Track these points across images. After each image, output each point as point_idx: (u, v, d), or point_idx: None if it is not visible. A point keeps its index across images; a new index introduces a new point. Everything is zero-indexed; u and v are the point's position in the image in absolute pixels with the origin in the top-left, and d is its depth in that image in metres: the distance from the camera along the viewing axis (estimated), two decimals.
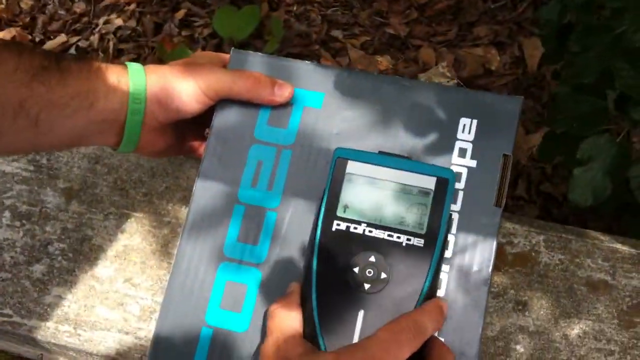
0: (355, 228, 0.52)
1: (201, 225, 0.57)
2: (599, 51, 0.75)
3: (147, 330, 0.66)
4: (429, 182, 0.52)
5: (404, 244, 0.51)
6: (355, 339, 0.49)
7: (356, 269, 0.51)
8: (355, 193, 0.53)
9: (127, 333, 0.66)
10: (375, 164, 0.53)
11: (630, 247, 0.67)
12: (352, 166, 0.53)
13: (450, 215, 0.53)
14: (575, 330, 0.64)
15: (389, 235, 0.51)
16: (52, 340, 0.68)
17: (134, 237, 0.70)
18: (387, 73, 1.23)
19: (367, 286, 0.50)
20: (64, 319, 0.68)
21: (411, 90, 0.58)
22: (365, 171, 0.53)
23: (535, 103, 1.18)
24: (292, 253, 0.56)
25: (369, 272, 0.50)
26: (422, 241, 0.51)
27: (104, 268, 0.69)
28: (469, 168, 0.56)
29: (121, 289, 0.68)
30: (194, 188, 0.57)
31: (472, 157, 0.56)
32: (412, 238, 0.51)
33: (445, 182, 0.52)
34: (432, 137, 0.57)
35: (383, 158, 0.54)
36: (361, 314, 0.50)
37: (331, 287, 0.51)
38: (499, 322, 0.65)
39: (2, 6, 1.41)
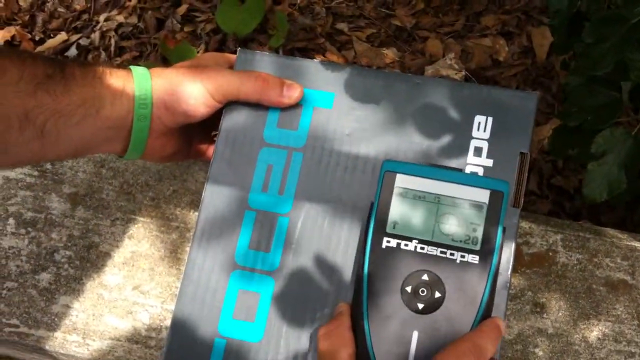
0: (406, 245, 0.49)
1: (211, 232, 0.56)
2: (615, 42, 0.73)
3: (157, 339, 0.65)
4: (483, 195, 0.50)
5: (458, 261, 0.49)
6: None
7: (409, 288, 0.48)
8: (405, 208, 0.50)
9: (136, 342, 0.65)
10: (425, 177, 0.51)
11: None
12: (401, 180, 0.51)
13: (505, 229, 0.51)
14: (595, 332, 0.63)
15: (441, 252, 0.49)
16: (61, 351, 0.67)
17: (141, 243, 0.68)
18: (394, 66, 1.21)
19: (420, 306, 0.48)
20: (72, 328, 0.66)
21: (424, 88, 0.57)
22: (415, 185, 0.51)
23: (545, 94, 1.16)
24: (305, 260, 0.54)
25: (422, 292, 0.48)
26: (477, 257, 0.49)
27: (112, 275, 0.67)
28: (485, 167, 0.54)
29: (130, 297, 0.66)
30: (202, 194, 0.56)
31: (488, 156, 0.55)
32: (466, 255, 0.49)
33: (499, 195, 0.50)
34: (446, 136, 0.56)
35: (433, 170, 0.51)
36: (415, 335, 0.48)
37: (383, 307, 0.48)
38: (517, 325, 0.63)
39: (1, 4, 1.39)
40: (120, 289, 0.67)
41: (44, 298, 0.67)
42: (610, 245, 0.66)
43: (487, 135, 0.55)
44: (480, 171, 0.54)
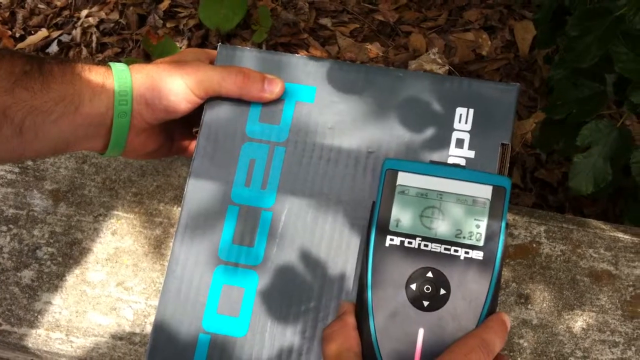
0: (410, 243, 0.49)
1: (194, 228, 0.55)
2: (599, 35, 0.74)
3: (141, 336, 0.65)
4: (485, 191, 0.50)
5: (462, 258, 0.49)
6: (417, 359, 0.47)
7: (413, 286, 0.48)
8: (407, 206, 0.50)
9: (121, 339, 0.65)
10: (427, 175, 0.50)
11: (632, 236, 0.66)
12: (402, 178, 0.51)
13: (508, 224, 0.50)
14: (579, 322, 0.63)
15: (445, 249, 0.49)
16: (44, 348, 0.66)
17: (125, 239, 0.68)
18: (377, 60, 1.21)
19: (426, 303, 0.48)
20: (55, 325, 0.66)
21: (405, 81, 0.57)
22: (417, 182, 0.50)
23: (527, 88, 1.16)
24: (289, 254, 0.54)
25: (427, 289, 0.48)
26: (481, 254, 0.48)
27: (95, 272, 0.67)
28: (467, 159, 0.55)
29: (113, 293, 0.66)
30: (185, 190, 0.55)
31: (470, 148, 0.55)
32: (470, 251, 0.49)
33: (502, 191, 0.50)
34: (428, 129, 0.56)
35: (435, 168, 0.51)
36: (421, 332, 0.48)
37: (388, 305, 0.48)
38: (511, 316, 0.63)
39: None
40: (104, 286, 0.66)
41: (27, 295, 0.67)
42: (593, 236, 0.66)
43: (468, 127, 0.55)
44: (462, 162, 0.54)
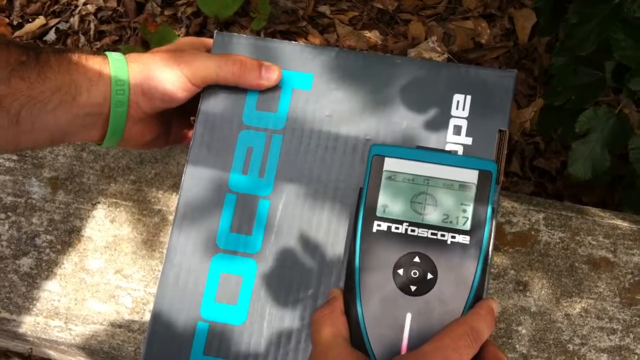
0: (397, 228, 0.50)
1: (192, 216, 0.55)
2: (598, 22, 0.73)
3: (140, 323, 0.65)
4: (471, 176, 0.50)
5: (449, 242, 0.49)
6: (404, 343, 0.48)
7: (400, 271, 0.49)
8: (394, 191, 0.51)
9: (120, 326, 0.65)
10: (413, 160, 0.51)
11: (631, 223, 0.66)
12: (389, 163, 0.51)
13: (494, 209, 0.51)
14: (577, 309, 0.63)
15: (432, 234, 0.49)
16: (43, 336, 0.66)
17: (123, 227, 0.68)
18: (376, 49, 1.21)
19: (413, 288, 0.48)
20: (54, 313, 0.66)
21: (402, 68, 0.57)
22: (404, 168, 0.51)
23: (527, 76, 1.16)
24: (287, 241, 0.54)
25: (414, 274, 0.48)
26: (468, 238, 0.49)
27: (94, 260, 0.67)
28: (465, 146, 0.55)
29: (112, 281, 0.66)
30: (182, 178, 0.55)
31: (468, 135, 0.55)
32: (457, 235, 0.49)
33: (488, 175, 0.50)
34: (426, 115, 0.55)
35: (421, 153, 0.51)
36: (409, 317, 0.48)
37: (376, 290, 0.49)
38: (500, 303, 0.64)
39: None
40: (103, 273, 0.66)
41: (25, 283, 0.67)
42: (592, 223, 0.66)
43: (466, 113, 0.55)
44: (460, 149, 0.54)
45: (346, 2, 1.25)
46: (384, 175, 0.51)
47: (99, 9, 1.32)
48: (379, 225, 0.50)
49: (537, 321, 0.63)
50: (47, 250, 0.68)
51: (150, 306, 0.64)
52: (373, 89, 0.56)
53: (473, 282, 0.48)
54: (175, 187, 0.69)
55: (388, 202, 0.50)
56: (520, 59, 1.18)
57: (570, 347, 0.62)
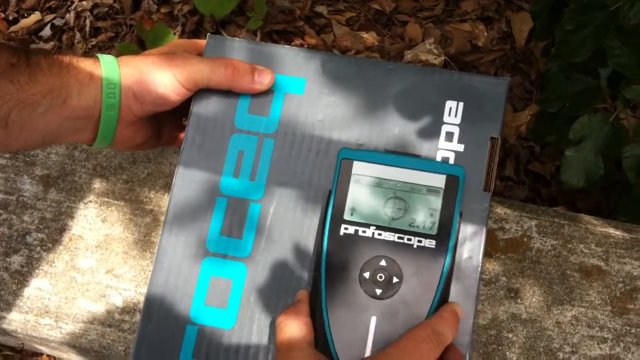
0: (364, 231, 0.50)
1: (182, 219, 0.55)
2: (594, 29, 0.73)
3: (130, 323, 0.65)
4: (439, 181, 0.51)
5: (415, 246, 0.49)
6: (369, 347, 0.48)
7: (367, 274, 0.49)
8: (362, 195, 0.51)
9: (110, 326, 0.65)
10: (382, 164, 0.51)
11: (623, 232, 0.66)
12: (358, 167, 0.51)
13: (461, 213, 0.51)
14: (568, 317, 0.63)
15: (399, 238, 0.50)
16: (33, 334, 0.66)
17: (115, 227, 0.68)
18: (373, 50, 1.20)
19: (378, 291, 0.49)
20: (45, 311, 0.66)
21: (395, 74, 0.56)
22: (372, 172, 0.51)
23: (523, 80, 1.16)
24: (277, 245, 0.54)
25: (380, 277, 0.49)
26: (434, 242, 0.49)
27: (85, 259, 0.67)
28: (457, 152, 0.55)
29: (103, 281, 0.66)
30: (173, 181, 0.55)
31: (460, 141, 0.55)
32: (423, 239, 0.49)
33: (455, 180, 0.51)
34: (418, 121, 0.55)
35: (390, 157, 0.52)
36: (374, 320, 0.48)
37: (342, 293, 0.49)
38: (491, 310, 0.64)
39: None
40: (94, 272, 0.66)
41: (16, 281, 0.66)
42: (584, 231, 0.66)
43: (458, 120, 0.55)
44: (451, 156, 0.54)
45: (343, 2, 1.25)
46: (352, 178, 0.51)
47: (95, 6, 1.31)
48: (346, 228, 0.50)
49: (528, 328, 0.63)
50: (38, 249, 0.67)
51: (141, 306, 0.64)
52: (366, 94, 0.56)
53: (438, 286, 0.49)
54: (167, 187, 0.69)
55: (356, 206, 0.51)
56: (516, 62, 1.18)
57: (561, 355, 0.62)
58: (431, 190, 0.50)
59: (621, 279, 0.64)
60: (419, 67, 0.58)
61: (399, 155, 0.52)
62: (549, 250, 0.65)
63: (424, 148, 0.55)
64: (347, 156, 0.52)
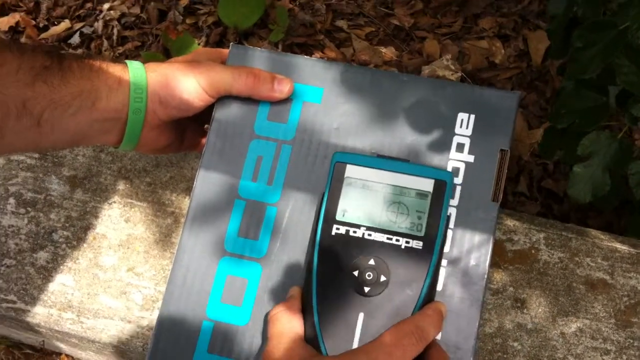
0: (355, 232, 0.52)
1: (202, 220, 0.58)
2: (602, 47, 0.75)
3: (149, 319, 0.67)
4: (427, 185, 0.53)
5: (402, 247, 0.52)
6: (356, 342, 0.50)
7: (356, 272, 0.51)
8: (354, 197, 0.53)
9: (129, 322, 0.67)
10: (373, 168, 0.54)
11: (629, 247, 0.68)
12: (350, 170, 0.54)
13: (449, 216, 0.53)
14: (573, 328, 0.65)
15: (387, 238, 0.52)
16: (55, 327, 0.69)
17: (137, 227, 0.70)
18: (391, 64, 1.23)
19: (367, 289, 0.51)
20: (67, 306, 0.68)
21: (410, 85, 0.59)
22: (364, 175, 0.54)
23: (539, 97, 1.18)
24: (292, 247, 0.56)
25: (369, 275, 0.51)
26: (421, 243, 0.52)
27: (108, 257, 0.69)
28: (467, 163, 0.56)
29: (124, 278, 0.69)
30: (194, 183, 0.58)
31: (470, 152, 0.57)
32: (410, 240, 0.52)
33: (443, 184, 0.53)
34: (430, 132, 0.58)
35: (381, 161, 0.54)
36: (361, 316, 0.51)
37: (332, 290, 0.51)
38: (497, 319, 0.65)
39: None
40: (115, 270, 0.69)
41: (41, 276, 0.69)
42: (591, 245, 0.68)
43: (469, 132, 0.57)
44: (462, 166, 0.56)
45: (363, 17, 1.28)
46: (345, 181, 0.54)
47: (123, 15, 1.35)
48: (337, 228, 0.53)
49: (533, 338, 0.65)
50: (64, 246, 0.70)
51: (159, 304, 0.67)
52: (380, 104, 0.59)
53: (423, 285, 0.51)
54: (189, 190, 0.72)
55: (347, 207, 0.53)
56: (532, 80, 1.20)
57: None
58: (419, 193, 0.53)
59: (626, 293, 0.66)
60: (433, 80, 0.60)
61: (390, 159, 0.55)
62: (556, 263, 0.67)
63: (435, 158, 0.57)
64: (340, 159, 0.54)
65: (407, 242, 0.52)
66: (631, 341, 0.64)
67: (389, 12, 1.28)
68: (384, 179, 0.54)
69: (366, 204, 0.53)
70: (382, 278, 0.51)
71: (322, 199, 0.54)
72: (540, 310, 0.65)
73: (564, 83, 0.91)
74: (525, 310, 0.66)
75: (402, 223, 0.52)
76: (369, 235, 0.52)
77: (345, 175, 0.54)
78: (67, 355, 1.16)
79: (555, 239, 0.68)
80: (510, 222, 0.69)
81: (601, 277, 0.66)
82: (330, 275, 0.52)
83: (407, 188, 0.53)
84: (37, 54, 0.52)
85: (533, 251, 0.68)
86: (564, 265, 0.67)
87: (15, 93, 0.51)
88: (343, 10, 1.29)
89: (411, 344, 0.47)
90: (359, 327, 0.50)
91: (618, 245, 0.68)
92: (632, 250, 0.68)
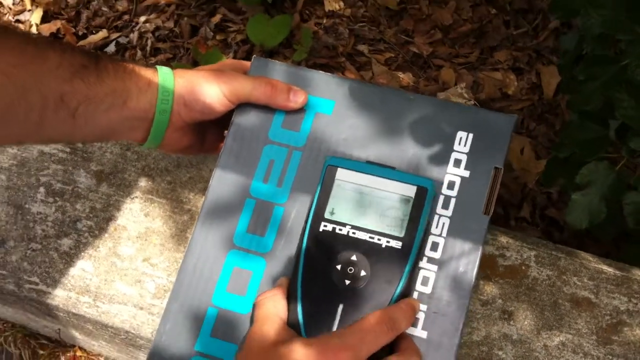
0: (340, 230, 0.57)
1: (215, 215, 0.62)
2: (604, 81, 0.79)
3: (160, 307, 0.72)
4: (410, 190, 0.58)
5: (383, 246, 0.56)
6: (334, 330, 0.54)
7: (339, 267, 0.56)
8: (342, 198, 0.58)
9: (141, 308, 0.72)
10: (362, 172, 0.59)
11: (615, 269, 0.72)
12: (341, 173, 0.59)
13: (429, 221, 0.58)
14: (555, 342, 0.68)
15: (370, 237, 0.57)
16: (73, 310, 0.74)
17: (155, 221, 0.76)
18: (408, 89, 1.28)
19: (347, 282, 0.56)
20: (85, 290, 0.74)
21: (415, 104, 0.63)
22: (353, 178, 0.59)
23: (548, 130, 1.22)
24: (295, 245, 0.60)
25: (350, 270, 0.56)
26: (400, 244, 0.56)
27: (126, 247, 0.75)
28: (462, 177, 0.61)
29: (140, 267, 0.74)
30: (210, 181, 0.63)
31: (466, 168, 0.61)
32: (391, 240, 0.56)
33: (424, 191, 0.58)
34: (431, 147, 0.62)
35: (370, 167, 0.59)
36: (341, 307, 0.55)
37: (315, 281, 0.56)
38: (485, 328, 0.69)
39: (50, 0, 1.49)
40: (132, 260, 0.74)
41: (63, 261, 0.75)
42: (579, 265, 0.72)
43: (467, 149, 0.62)
44: (457, 180, 0.61)
45: (384, 43, 1.33)
46: (335, 183, 0.59)
47: (157, 28, 1.43)
48: (325, 225, 0.57)
49: (517, 348, 0.68)
50: (86, 234, 0.76)
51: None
52: (387, 119, 0.63)
53: (400, 282, 0.55)
54: (206, 190, 0.77)
55: (335, 207, 0.58)
56: (543, 113, 1.24)
57: None
58: (402, 198, 0.57)
59: (609, 312, 0.69)
60: (437, 100, 0.65)
61: (378, 166, 0.59)
62: (545, 280, 0.71)
63: (434, 171, 0.61)
64: (332, 163, 0.59)
65: (388, 242, 0.56)
66: (610, 357, 0.67)
67: (408, 40, 1.34)
68: (370, 183, 0.58)
69: (353, 205, 0.58)
70: (363, 273, 0.56)
71: (314, 198, 0.58)
72: (526, 322, 0.69)
73: (572, 116, 0.95)
74: (511, 322, 0.69)
75: (384, 224, 0.57)
76: (353, 233, 0.57)
77: (336, 177, 0.59)
78: (80, 348, 1.21)
79: (545, 258, 0.72)
80: (503, 239, 0.73)
81: (586, 296, 0.70)
82: (315, 267, 0.56)
83: (391, 192, 0.58)
84: (77, 53, 0.57)
85: (523, 267, 0.72)
86: (551, 282, 0.71)
87: (55, 87, 0.55)
88: (365, 35, 1.35)
89: (383, 332, 0.51)
90: (338, 316, 0.55)
91: (605, 267, 0.72)
92: (617, 272, 0.71)
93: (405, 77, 1.28)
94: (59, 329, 1.05)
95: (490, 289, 0.71)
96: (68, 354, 1.20)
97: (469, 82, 1.26)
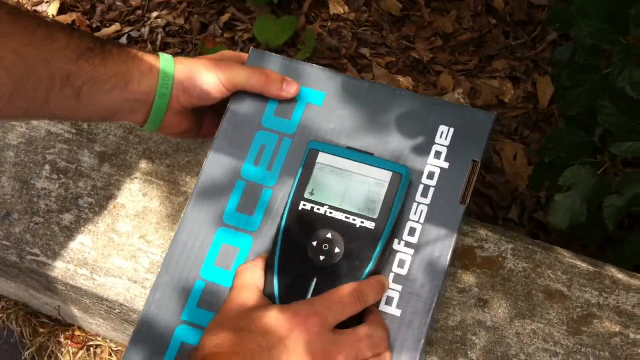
0: (319, 209, 0.61)
1: (207, 194, 0.66)
2: (588, 88, 0.83)
3: (152, 282, 0.76)
4: (385, 176, 0.62)
5: (357, 226, 0.60)
6: None
7: (315, 243, 0.60)
8: (322, 180, 0.62)
9: (135, 282, 0.76)
10: (341, 157, 0.63)
11: (589, 265, 0.75)
12: (322, 157, 0.63)
13: (404, 206, 0.62)
14: (527, 330, 0.72)
15: (346, 217, 0.61)
16: (71, 282, 0.78)
17: (153, 201, 0.79)
18: None
19: (322, 258, 0.59)
20: (83, 263, 0.77)
21: (402, 99, 0.67)
22: (333, 162, 0.63)
23: (541, 137, 1.25)
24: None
25: (325, 247, 0.60)
26: (374, 224, 0.60)
27: (124, 224, 0.79)
28: (442, 169, 0.64)
29: (136, 244, 0.77)
30: (204, 162, 0.66)
31: (446, 160, 0.65)
32: (365, 221, 0.60)
33: (399, 177, 0.61)
34: (413, 139, 0.66)
35: (349, 152, 0.63)
36: (315, 281, 0.59)
37: (292, 256, 0.60)
38: (461, 314, 0.73)
39: None
40: (129, 236, 0.78)
41: (64, 235, 0.79)
42: (554, 260, 0.75)
43: (447, 142, 0.65)
44: (437, 171, 0.64)
45: (386, 48, 1.37)
46: (316, 166, 0.62)
47: (168, 24, 1.47)
48: (304, 205, 0.61)
49: (491, 335, 0.72)
50: (87, 211, 0.80)
51: None
52: (374, 112, 0.67)
53: (371, 259, 0.59)
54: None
55: (315, 188, 0.62)
56: (537, 121, 1.28)
57: None
58: (378, 182, 0.61)
59: (580, 305, 0.72)
60: (423, 96, 0.69)
61: (357, 152, 0.63)
62: (520, 272, 0.74)
63: (415, 161, 0.65)
64: (314, 147, 0.63)
65: (362, 222, 0.60)
66: (579, 347, 0.71)
67: (410, 46, 1.38)
68: (349, 167, 0.62)
69: (332, 186, 0.62)
70: (337, 250, 0.59)
71: (295, 178, 0.62)
72: (500, 311, 0.72)
73: (562, 124, 0.99)
74: (486, 310, 0.73)
75: (360, 206, 0.61)
76: (330, 213, 0.61)
77: (317, 161, 0.63)
78: (79, 328, 1.25)
79: (522, 251, 0.75)
80: (483, 232, 0.77)
81: (559, 289, 0.73)
82: (293, 243, 0.60)
83: (368, 177, 0.62)
84: (84, 37, 0.61)
85: (500, 259, 0.75)
86: (526, 274, 0.74)
87: (62, 67, 0.59)
88: (368, 39, 1.39)
89: (351, 303, 0.55)
90: (311, 289, 0.59)
91: (579, 263, 0.75)
92: (590, 268, 0.74)
93: (405, 81, 1.32)
94: (59, 306, 1.09)
95: (467, 278, 0.74)
96: (67, 333, 1.24)
97: (466, 88, 1.30)
